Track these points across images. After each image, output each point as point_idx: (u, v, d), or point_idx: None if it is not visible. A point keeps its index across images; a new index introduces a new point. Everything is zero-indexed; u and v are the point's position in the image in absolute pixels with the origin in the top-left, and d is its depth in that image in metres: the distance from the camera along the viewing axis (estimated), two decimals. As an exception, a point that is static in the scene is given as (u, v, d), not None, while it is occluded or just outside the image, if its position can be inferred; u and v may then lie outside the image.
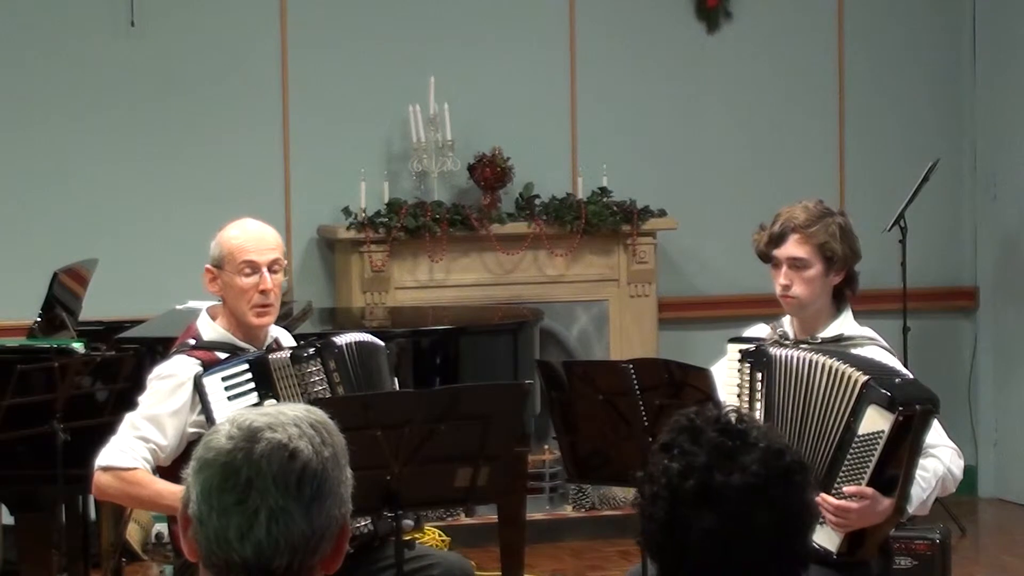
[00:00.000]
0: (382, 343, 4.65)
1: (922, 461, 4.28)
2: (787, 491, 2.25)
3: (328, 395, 4.36)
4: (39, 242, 7.47)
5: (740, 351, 4.37)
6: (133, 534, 7.19)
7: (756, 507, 2.22)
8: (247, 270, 4.41)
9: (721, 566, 2.22)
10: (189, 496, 2.12)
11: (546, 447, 7.70)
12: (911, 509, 4.24)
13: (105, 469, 4.32)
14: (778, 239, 4.48)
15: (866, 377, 4.17)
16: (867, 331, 4.52)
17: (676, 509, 2.23)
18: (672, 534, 2.24)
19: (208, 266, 4.46)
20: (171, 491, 4.24)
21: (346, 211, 7.65)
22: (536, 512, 7.50)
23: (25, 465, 5.34)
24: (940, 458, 4.30)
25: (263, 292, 4.40)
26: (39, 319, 6.03)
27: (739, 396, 4.34)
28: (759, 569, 2.23)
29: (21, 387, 5.16)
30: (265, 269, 4.41)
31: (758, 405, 4.31)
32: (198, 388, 4.32)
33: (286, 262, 4.55)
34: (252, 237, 4.46)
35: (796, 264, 4.45)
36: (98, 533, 6.46)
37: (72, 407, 5.25)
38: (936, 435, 4.31)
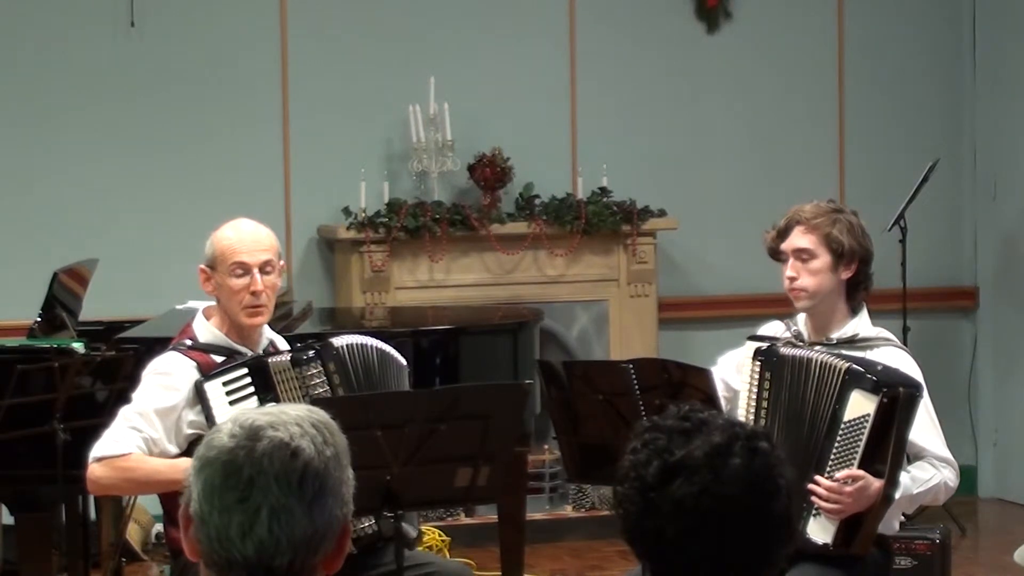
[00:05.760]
0: (405, 363, 4.64)
1: (924, 464, 4.40)
2: (753, 454, 2.25)
3: (329, 395, 4.36)
4: (39, 242, 7.47)
5: (754, 350, 4.42)
6: (133, 534, 7.18)
7: (722, 470, 2.22)
8: (238, 271, 4.39)
9: (696, 540, 2.21)
10: (190, 495, 2.12)
11: (546, 447, 7.70)
12: (897, 496, 4.29)
13: (98, 460, 4.29)
14: (784, 232, 4.54)
15: (848, 364, 4.23)
16: (883, 332, 4.55)
17: (647, 493, 2.24)
18: (647, 518, 2.24)
19: (202, 266, 4.46)
20: (168, 465, 4.23)
21: (346, 211, 7.65)
22: (536, 512, 7.49)
23: (25, 465, 5.33)
24: (941, 472, 4.42)
25: (254, 293, 4.39)
26: (39, 319, 6.02)
27: (748, 392, 4.40)
28: (735, 539, 2.23)
29: (21, 387, 5.16)
30: (256, 270, 4.39)
31: (764, 404, 4.37)
32: (199, 394, 4.32)
33: (282, 263, 4.53)
34: (244, 238, 4.43)
35: (802, 255, 4.48)
36: (98, 533, 6.46)
37: (72, 407, 5.24)
38: (941, 447, 4.44)
